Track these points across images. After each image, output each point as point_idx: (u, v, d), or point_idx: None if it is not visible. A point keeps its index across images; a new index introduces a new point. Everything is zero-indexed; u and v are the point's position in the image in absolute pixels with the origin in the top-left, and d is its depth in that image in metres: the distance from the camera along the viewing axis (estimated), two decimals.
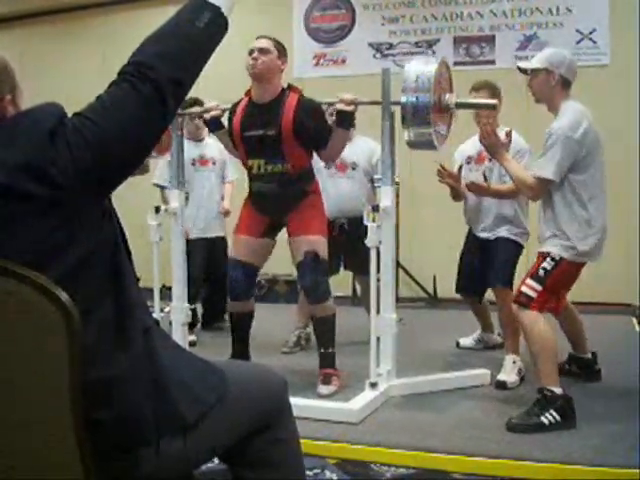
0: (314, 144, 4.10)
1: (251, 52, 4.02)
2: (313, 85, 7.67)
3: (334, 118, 4.11)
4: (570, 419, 3.41)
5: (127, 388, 1.54)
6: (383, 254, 3.92)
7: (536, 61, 3.68)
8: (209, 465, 2.70)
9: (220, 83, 7.78)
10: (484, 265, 4.58)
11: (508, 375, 4.21)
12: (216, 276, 5.75)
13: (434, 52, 7.64)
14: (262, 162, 4.07)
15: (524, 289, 3.55)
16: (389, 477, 2.95)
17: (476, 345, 5.18)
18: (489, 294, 4.79)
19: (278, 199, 4.11)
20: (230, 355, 4.28)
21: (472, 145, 4.62)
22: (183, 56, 1.60)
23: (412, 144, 3.88)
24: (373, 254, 3.83)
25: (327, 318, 4.07)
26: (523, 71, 3.75)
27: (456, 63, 7.43)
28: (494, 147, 3.73)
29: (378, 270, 3.89)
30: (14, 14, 9.36)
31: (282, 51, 4.12)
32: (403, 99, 3.74)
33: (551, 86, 3.61)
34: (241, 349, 4.30)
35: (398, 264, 7.05)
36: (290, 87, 4.16)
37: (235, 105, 4.24)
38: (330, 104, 4.19)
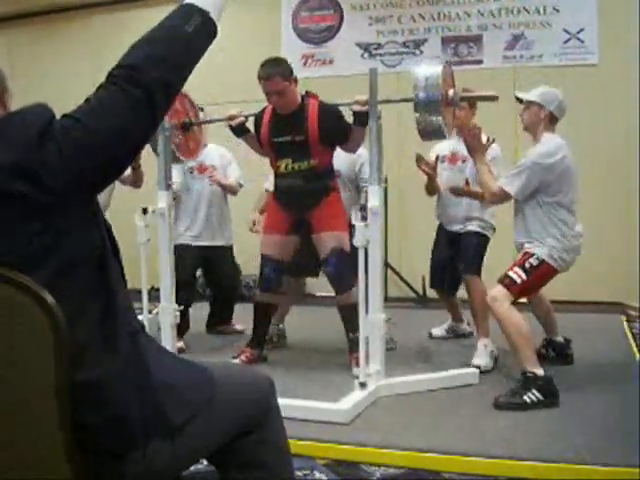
0: (337, 141, 4.52)
1: (267, 94, 4.41)
2: (301, 85, 7.67)
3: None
4: (552, 397, 3.69)
5: (114, 390, 1.53)
6: (371, 254, 3.92)
7: (532, 95, 4.11)
8: (197, 467, 2.70)
9: (207, 82, 7.78)
10: (454, 258, 4.95)
11: (481, 359, 4.49)
12: (219, 283, 5.76)
13: (422, 52, 7.65)
14: (290, 161, 4.51)
15: (511, 273, 3.93)
16: (379, 477, 2.95)
17: (447, 334, 5.50)
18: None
19: (303, 193, 4.51)
20: (250, 340, 4.77)
21: (447, 146, 4.94)
22: (172, 60, 1.60)
23: (424, 134, 4.05)
24: (361, 254, 3.83)
25: (352, 305, 4.26)
26: (519, 100, 4.20)
27: None
28: (475, 147, 4.18)
29: (366, 270, 3.88)
30: (3, 15, 9.31)
31: (290, 74, 4.42)
32: (418, 94, 3.93)
33: (540, 119, 4.06)
34: (261, 335, 4.77)
35: (387, 264, 7.07)
36: (308, 94, 4.57)
37: (260, 114, 4.65)
38: (346, 105, 4.40)
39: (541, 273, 3.94)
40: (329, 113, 4.44)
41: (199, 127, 4.98)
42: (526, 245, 4.01)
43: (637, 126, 6.76)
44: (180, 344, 5.04)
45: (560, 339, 4.64)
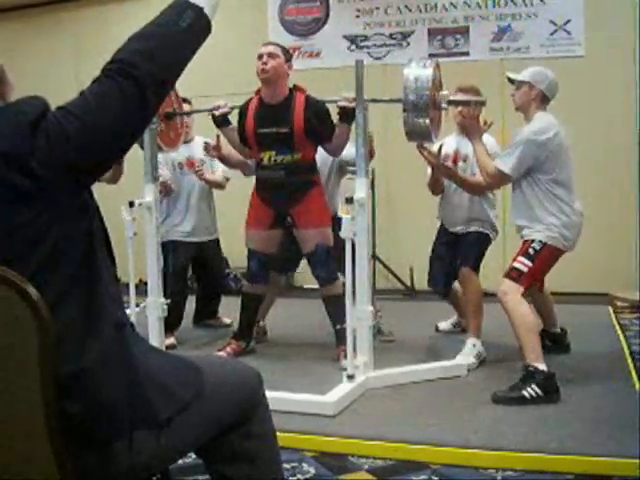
0: (321, 139, 4.49)
1: (260, 57, 4.40)
2: (289, 78, 7.66)
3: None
4: (552, 394, 3.64)
5: (97, 378, 1.53)
6: (358, 246, 3.91)
7: (523, 75, 4.10)
8: (185, 460, 2.69)
9: (192, 75, 7.72)
10: (454, 259, 4.80)
11: (465, 357, 4.41)
12: (207, 277, 5.74)
13: (408, 44, 7.64)
14: (273, 153, 4.47)
15: (516, 264, 3.91)
16: (367, 469, 2.95)
17: (454, 328, 5.38)
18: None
19: (285, 187, 4.49)
20: (235, 332, 4.83)
21: (449, 144, 4.81)
22: (165, 55, 1.61)
23: (411, 135, 4.05)
24: (348, 246, 3.83)
25: (338, 295, 4.32)
26: (511, 81, 4.18)
27: (431, 55, 7.42)
28: (472, 128, 4.22)
29: (354, 262, 3.88)
30: None
31: (288, 56, 4.52)
32: (407, 96, 3.91)
33: (531, 98, 4.05)
34: (246, 327, 4.80)
35: (375, 256, 7.07)
36: (296, 87, 4.54)
37: (245, 104, 4.62)
38: (332, 101, 4.38)
39: (545, 256, 3.91)
40: (316, 107, 4.43)
41: (181, 119, 4.98)
42: (524, 232, 3.99)
43: (636, 119, 6.78)
44: (171, 340, 5.04)
45: (557, 330, 4.65)
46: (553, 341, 4.63)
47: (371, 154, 4.52)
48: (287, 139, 4.42)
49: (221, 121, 4.67)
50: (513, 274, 3.88)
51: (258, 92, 4.58)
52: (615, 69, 6.92)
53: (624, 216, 6.75)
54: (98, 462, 1.55)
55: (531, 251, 3.90)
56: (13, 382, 1.43)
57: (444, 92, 4.17)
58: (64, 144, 1.48)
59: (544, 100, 4.07)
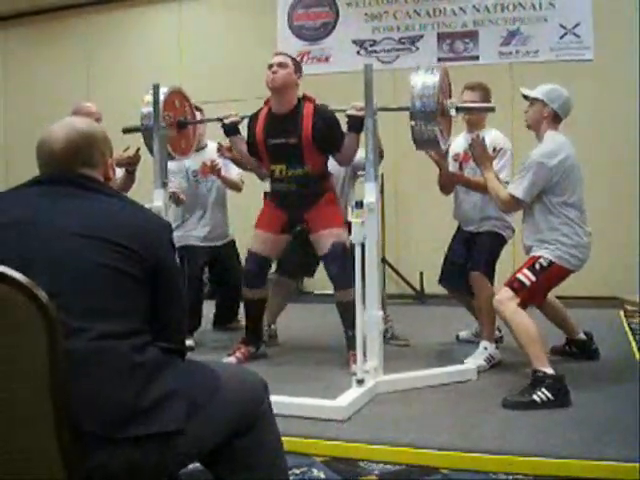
0: (329, 148, 4.50)
1: (270, 66, 4.41)
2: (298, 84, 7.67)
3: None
4: (562, 397, 3.61)
5: (104, 369, 1.58)
6: (368, 250, 3.91)
7: (536, 92, 4.06)
8: (189, 467, 2.69)
9: (204, 81, 7.77)
10: (468, 258, 4.71)
11: (475, 360, 4.39)
12: (227, 281, 5.76)
13: (417, 48, 7.65)
14: (284, 167, 4.50)
15: (520, 276, 3.88)
16: (377, 474, 2.94)
17: (475, 338, 5.03)
18: None
19: (298, 196, 4.51)
20: (243, 338, 4.79)
21: (458, 143, 4.78)
22: None
23: (419, 143, 4.05)
24: (358, 250, 3.82)
25: (352, 302, 4.19)
26: (525, 97, 4.13)
27: (440, 59, 7.45)
28: (481, 158, 4.20)
29: (363, 267, 3.88)
30: None
31: (298, 66, 4.53)
32: (413, 104, 3.91)
33: (542, 117, 4.01)
34: (253, 331, 4.79)
35: (384, 261, 7.06)
36: (305, 97, 4.54)
37: (255, 114, 4.63)
38: (342, 110, 4.39)
39: (550, 274, 3.89)
40: (324, 117, 4.43)
41: (193, 129, 5.01)
42: (534, 249, 3.97)
43: (637, 120, 6.76)
44: (190, 342, 5.01)
45: (581, 336, 4.58)
46: (579, 348, 4.59)
47: (381, 154, 4.53)
48: (296, 150, 4.42)
49: (231, 130, 4.69)
50: (515, 285, 3.86)
51: (267, 102, 4.59)
52: (624, 72, 6.90)
53: (634, 218, 6.72)
54: (105, 464, 1.55)
55: (537, 266, 3.87)
56: (24, 386, 1.45)
57: (452, 99, 4.16)
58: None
59: (556, 119, 4.03)
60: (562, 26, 7.21)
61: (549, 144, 3.94)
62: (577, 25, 7.16)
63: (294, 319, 5.67)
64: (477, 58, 7.49)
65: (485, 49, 7.47)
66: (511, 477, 2.87)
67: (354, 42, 7.89)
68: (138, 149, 4.79)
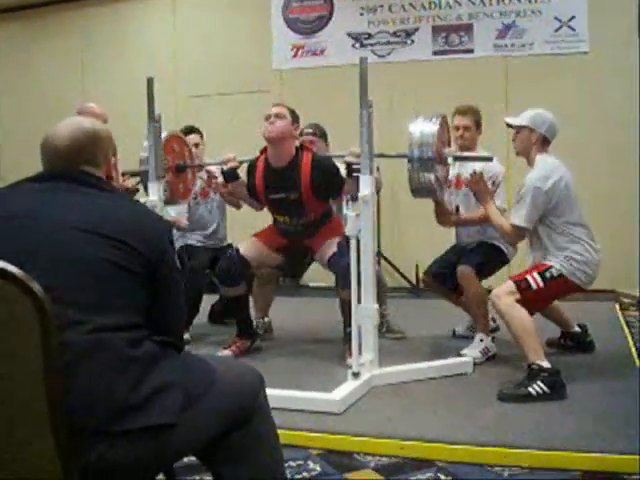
0: (329, 197, 4.62)
1: (268, 117, 4.42)
2: (292, 77, 7.66)
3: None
4: (558, 391, 3.62)
5: (99, 361, 1.59)
6: (363, 244, 3.91)
7: (521, 119, 4.08)
8: (188, 459, 2.69)
9: (197, 70, 7.75)
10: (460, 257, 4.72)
11: (471, 350, 4.42)
12: None
13: (413, 42, 7.63)
14: (287, 218, 4.63)
15: (529, 277, 3.88)
16: (373, 467, 2.94)
17: (470, 332, 4.92)
18: None
19: (302, 236, 4.67)
20: (237, 332, 4.78)
21: (451, 169, 4.70)
22: None
23: (416, 191, 4.12)
24: (353, 243, 3.82)
25: None
26: (509, 125, 4.17)
27: (435, 52, 7.44)
28: (481, 194, 4.26)
29: (358, 260, 3.87)
30: None
31: (295, 118, 4.53)
32: (411, 152, 4.00)
33: (531, 142, 4.04)
34: (244, 325, 4.80)
35: (380, 254, 7.06)
36: (302, 147, 4.58)
37: (253, 163, 4.68)
38: (340, 156, 4.41)
39: (558, 285, 3.89)
40: (322, 169, 4.46)
41: (192, 173, 5.09)
42: (548, 258, 3.95)
43: (637, 116, 6.76)
44: (186, 336, 5.00)
45: (575, 329, 4.62)
46: (575, 341, 4.62)
47: (378, 190, 4.69)
48: (298, 205, 4.50)
49: (230, 176, 4.72)
50: (521, 284, 3.86)
51: (264, 151, 4.62)
52: (619, 65, 6.90)
53: (631, 212, 6.72)
54: (101, 457, 1.55)
55: (547, 274, 3.87)
56: (19, 377, 1.45)
57: (451, 148, 4.25)
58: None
59: (544, 143, 4.05)
60: (557, 19, 7.20)
61: (541, 168, 3.97)
62: (572, 18, 7.14)
63: (290, 312, 5.67)
64: (472, 51, 7.46)
65: (480, 42, 7.44)
66: (507, 469, 2.87)
67: (349, 35, 7.86)
68: (138, 182, 4.90)
